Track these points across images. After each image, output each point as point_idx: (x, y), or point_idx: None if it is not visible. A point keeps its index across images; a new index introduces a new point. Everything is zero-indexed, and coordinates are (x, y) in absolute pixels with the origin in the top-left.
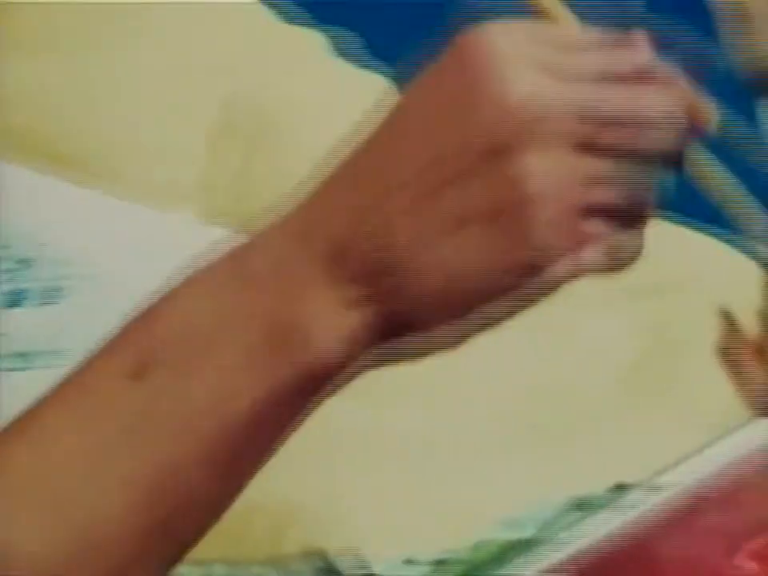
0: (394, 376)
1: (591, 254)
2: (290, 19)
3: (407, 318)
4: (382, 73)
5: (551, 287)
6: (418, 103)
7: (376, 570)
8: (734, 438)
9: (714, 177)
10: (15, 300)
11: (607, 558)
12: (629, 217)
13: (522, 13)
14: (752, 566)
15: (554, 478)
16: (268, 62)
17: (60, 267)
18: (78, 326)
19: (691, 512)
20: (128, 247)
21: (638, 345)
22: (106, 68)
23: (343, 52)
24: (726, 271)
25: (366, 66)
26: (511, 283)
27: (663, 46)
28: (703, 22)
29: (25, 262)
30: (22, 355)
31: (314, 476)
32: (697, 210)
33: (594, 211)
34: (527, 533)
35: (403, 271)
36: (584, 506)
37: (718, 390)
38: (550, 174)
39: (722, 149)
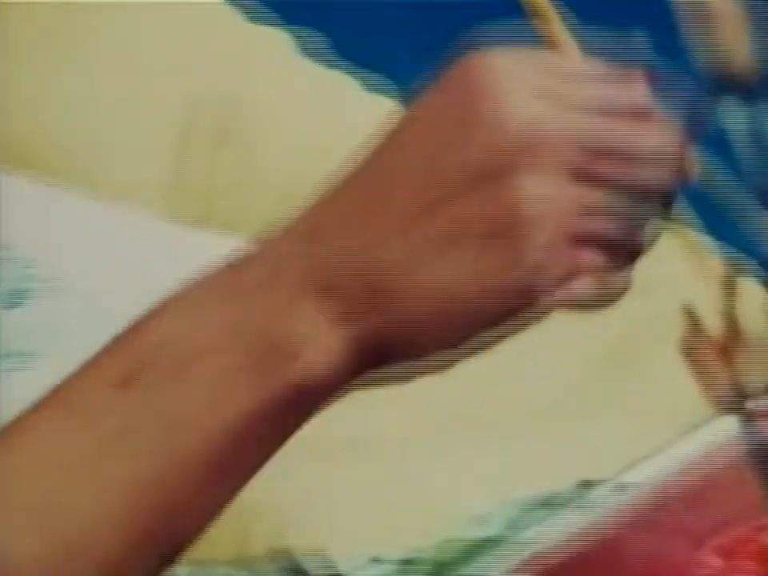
0: None
1: (581, 285)
2: (256, 19)
3: (398, 342)
4: (349, 72)
5: (539, 316)
6: (419, 122)
7: (342, 569)
8: (699, 435)
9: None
10: None
11: (573, 555)
12: (621, 252)
13: (528, 39)
14: (717, 561)
15: (520, 476)
16: (235, 61)
17: (25, 269)
18: (44, 328)
19: (656, 509)
20: (93, 248)
21: (605, 342)
22: (70, 67)
23: (309, 51)
24: (692, 271)
25: (333, 66)
26: (504, 309)
27: (662, 87)
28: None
29: None
30: None
31: (279, 475)
32: None
33: (587, 241)
34: (493, 531)
35: (396, 291)
36: (550, 504)
37: (685, 388)
38: (546, 199)
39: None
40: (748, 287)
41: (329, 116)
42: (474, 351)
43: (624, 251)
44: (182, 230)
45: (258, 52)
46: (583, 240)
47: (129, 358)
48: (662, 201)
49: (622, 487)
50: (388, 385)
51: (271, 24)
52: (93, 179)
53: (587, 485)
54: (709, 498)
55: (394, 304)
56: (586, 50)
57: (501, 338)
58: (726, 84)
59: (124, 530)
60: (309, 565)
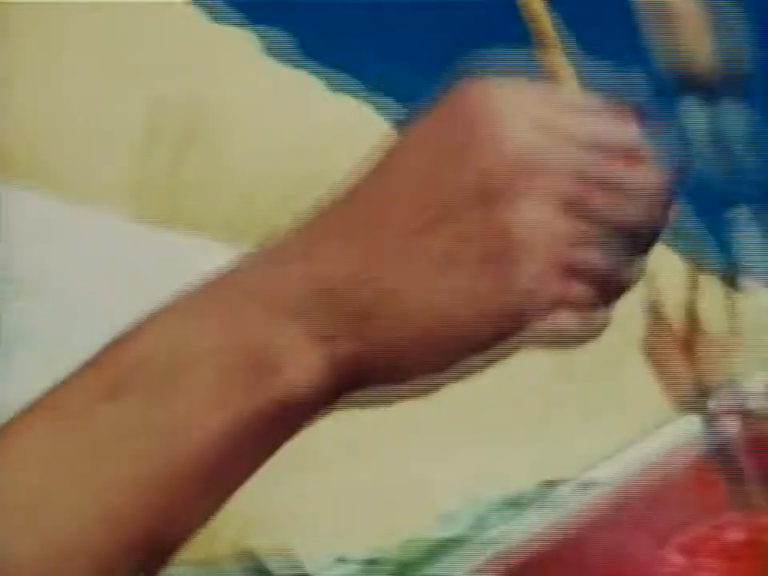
0: None
1: (566, 319)
2: (221, 19)
3: (382, 365)
4: (314, 72)
5: (516, 348)
6: (417, 143)
7: (307, 569)
8: (661, 434)
9: None
10: None
11: (536, 555)
12: (607, 288)
13: (530, 69)
14: (680, 559)
15: (484, 476)
16: (200, 61)
17: None
18: (17, 329)
19: (619, 508)
20: (62, 249)
21: None
22: (35, 69)
23: (274, 51)
24: (659, 269)
25: (298, 66)
26: (492, 333)
27: (652, 127)
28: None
29: None
30: None
31: None
32: None
33: (576, 273)
34: (457, 531)
35: (386, 312)
36: (514, 504)
37: (647, 388)
38: (539, 225)
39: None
40: (710, 285)
41: (293, 116)
42: (457, 377)
43: (610, 287)
44: (149, 229)
45: (222, 52)
46: (573, 272)
47: (116, 370)
48: (646, 239)
49: (585, 487)
50: (370, 407)
51: (236, 24)
52: (60, 180)
53: (550, 484)
54: (671, 496)
55: (382, 325)
56: (584, 82)
57: (484, 364)
58: (687, 84)
59: (114, 533)
60: (273, 565)
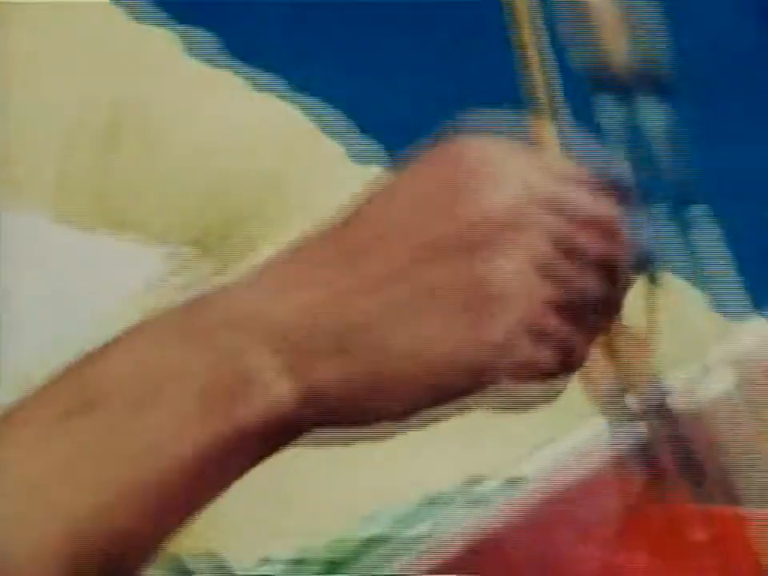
0: None
1: (529, 382)
2: (143, 18)
3: (344, 405)
4: (238, 72)
5: (472, 407)
6: (403, 189)
7: (231, 569)
8: (585, 429)
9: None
10: None
11: (462, 552)
12: (570, 359)
13: (518, 131)
14: (603, 554)
15: (408, 473)
16: (123, 61)
17: None
18: None
19: (544, 502)
20: None
21: None
22: None
23: (197, 51)
24: None
25: (221, 66)
26: (456, 385)
27: (629, 204)
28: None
29: None
30: None
31: None
32: None
33: (546, 338)
34: (382, 529)
35: (364, 349)
36: (438, 501)
37: (573, 382)
38: (515, 282)
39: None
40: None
41: (218, 116)
42: (414, 425)
43: (573, 359)
44: (71, 230)
45: (145, 52)
46: (544, 336)
47: (85, 388)
48: (607, 314)
49: (510, 482)
50: (326, 446)
51: (158, 24)
52: None
53: (475, 480)
54: (594, 491)
55: (357, 360)
56: (568, 151)
57: (440, 416)
58: (603, 82)
59: (75, 558)
60: (196, 566)
